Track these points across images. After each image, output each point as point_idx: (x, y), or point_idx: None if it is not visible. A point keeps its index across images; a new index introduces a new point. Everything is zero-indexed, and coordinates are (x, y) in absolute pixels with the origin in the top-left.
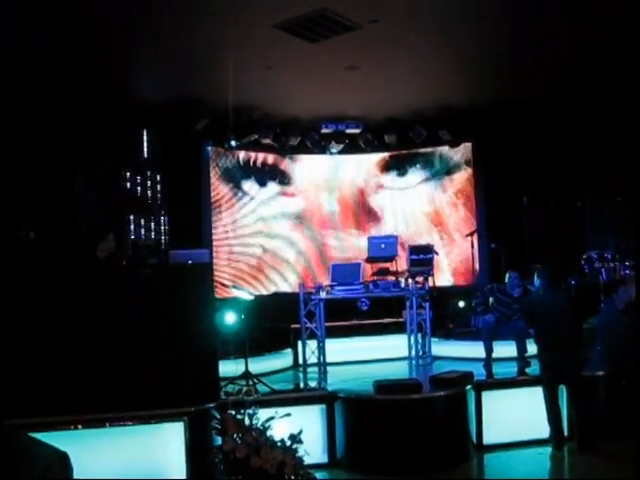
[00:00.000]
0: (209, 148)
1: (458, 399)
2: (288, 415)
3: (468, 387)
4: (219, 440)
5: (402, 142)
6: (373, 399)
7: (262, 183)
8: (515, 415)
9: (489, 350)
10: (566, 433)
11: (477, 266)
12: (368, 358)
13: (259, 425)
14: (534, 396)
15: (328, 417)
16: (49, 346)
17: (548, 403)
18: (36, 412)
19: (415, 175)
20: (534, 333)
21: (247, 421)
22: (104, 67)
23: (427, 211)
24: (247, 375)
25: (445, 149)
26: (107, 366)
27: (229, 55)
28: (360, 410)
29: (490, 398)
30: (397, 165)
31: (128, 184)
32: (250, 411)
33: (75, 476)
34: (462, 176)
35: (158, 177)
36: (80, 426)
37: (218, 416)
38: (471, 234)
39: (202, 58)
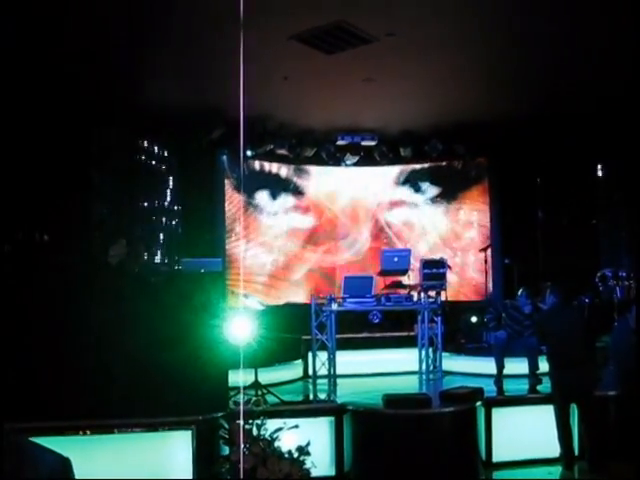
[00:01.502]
0: (224, 157)
1: (468, 415)
2: (296, 427)
3: (478, 403)
4: (227, 450)
5: (417, 155)
6: (382, 413)
7: (276, 194)
8: (525, 433)
9: (500, 366)
10: (577, 453)
11: (490, 281)
12: (379, 371)
13: (267, 436)
14: (545, 414)
15: (336, 429)
16: (57, 351)
17: (559, 422)
18: (43, 417)
19: (430, 189)
20: (546, 350)
21: (255, 431)
22: (118, 75)
23: (441, 226)
24: (256, 385)
25: (460, 163)
26: (115, 372)
27: (245, 65)
28: (368, 423)
29: (500, 415)
30: (412, 179)
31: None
32: (258, 421)
33: None
34: (477, 191)
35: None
36: (89, 432)
37: (226, 426)
38: (485, 249)
39: (217, 68)
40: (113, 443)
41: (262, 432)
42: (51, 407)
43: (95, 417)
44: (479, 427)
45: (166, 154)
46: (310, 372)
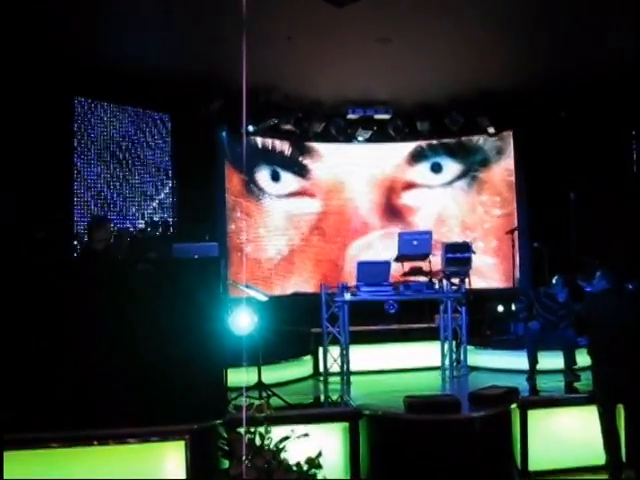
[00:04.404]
0: (223, 134)
1: (502, 420)
2: (306, 435)
3: (513, 406)
4: (226, 463)
5: (436, 130)
6: (403, 418)
7: (281, 175)
8: (566, 438)
9: (533, 361)
10: (624, 460)
11: (517, 267)
12: (397, 367)
13: (272, 446)
14: (588, 416)
15: (351, 437)
16: (37, 352)
17: (604, 425)
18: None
19: (449, 167)
20: (588, 344)
21: (258, 441)
22: (107, 35)
23: (462, 207)
24: (260, 386)
25: (484, 138)
26: (99, 375)
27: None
28: (388, 430)
29: (537, 418)
30: (430, 156)
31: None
32: (262, 430)
33: None
34: (502, 168)
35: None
36: (70, 445)
37: (225, 435)
38: (511, 231)
39: (214, 26)
40: (97, 455)
41: (266, 442)
42: (32, 418)
43: (78, 426)
44: (514, 432)
45: (160, 129)
46: (321, 369)
